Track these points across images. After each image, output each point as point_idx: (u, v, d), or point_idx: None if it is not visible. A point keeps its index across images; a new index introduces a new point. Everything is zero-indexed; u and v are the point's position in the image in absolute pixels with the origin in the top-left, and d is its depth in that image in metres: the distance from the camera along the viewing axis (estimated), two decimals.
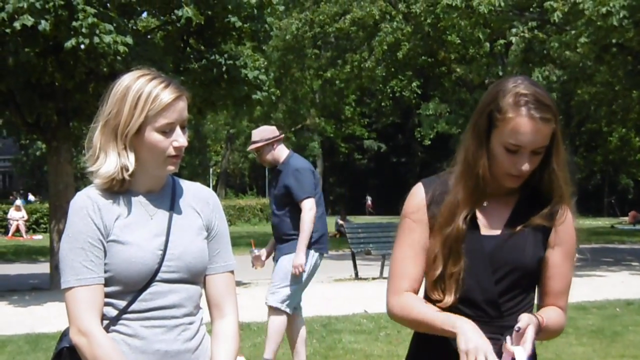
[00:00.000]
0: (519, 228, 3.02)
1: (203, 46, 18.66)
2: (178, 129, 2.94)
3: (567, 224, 3.09)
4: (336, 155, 70.94)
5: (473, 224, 3.02)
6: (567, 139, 55.45)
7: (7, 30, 13.95)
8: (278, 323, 8.59)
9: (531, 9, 29.01)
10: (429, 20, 34.48)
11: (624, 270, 19.17)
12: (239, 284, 16.61)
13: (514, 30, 27.65)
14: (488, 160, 2.98)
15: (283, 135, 8.80)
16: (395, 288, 3.08)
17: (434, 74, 43.15)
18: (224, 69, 17.74)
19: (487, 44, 36.89)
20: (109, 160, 2.94)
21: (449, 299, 2.98)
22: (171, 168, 3.00)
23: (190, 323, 3.05)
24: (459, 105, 55.12)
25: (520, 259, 2.99)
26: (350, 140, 68.74)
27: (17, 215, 35.93)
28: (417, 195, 3.11)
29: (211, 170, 73.13)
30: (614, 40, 22.88)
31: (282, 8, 26.47)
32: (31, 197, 53.54)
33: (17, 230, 35.54)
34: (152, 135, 2.91)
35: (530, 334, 2.80)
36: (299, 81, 45.18)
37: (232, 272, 3.21)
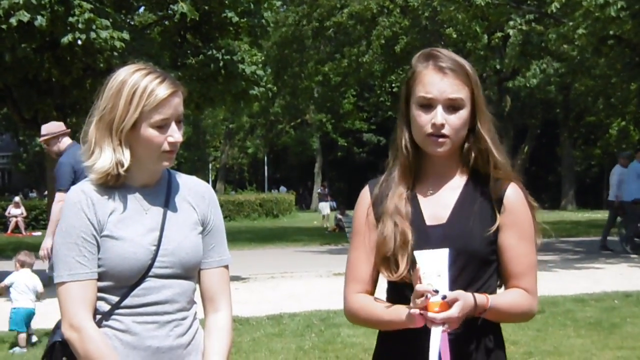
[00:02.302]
0: (465, 213, 2.97)
1: (200, 41, 18.67)
2: (173, 125, 2.93)
3: (518, 203, 3.01)
4: (335, 150, 70.95)
5: (418, 215, 2.98)
6: (565, 131, 55.62)
7: (4, 26, 13.96)
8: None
9: (529, 1, 28.99)
10: (426, 14, 34.52)
11: (622, 263, 19.14)
12: (237, 279, 16.62)
13: (511, 22, 27.62)
14: (410, 133, 2.97)
15: (69, 130, 10.03)
16: (349, 290, 3.08)
17: None
18: (221, 64, 17.74)
19: (485, 37, 36.89)
20: (104, 156, 2.93)
21: (402, 268, 2.92)
22: (166, 163, 2.99)
23: (183, 318, 3.03)
24: None
25: (469, 245, 2.92)
26: (349, 133, 68.75)
27: (16, 211, 35.90)
28: (363, 198, 3.10)
29: (210, 165, 73.14)
30: (611, 32, 22.87)
31: (278, 3, 26.45)
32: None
33: (16, 226, 35.50)
34: (147, 131, 2.90)
35: (454, 310, 2.73)
36: (297, 75, 45.15)
37: (226, 267, 3.19)
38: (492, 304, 2.89)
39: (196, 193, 3.13)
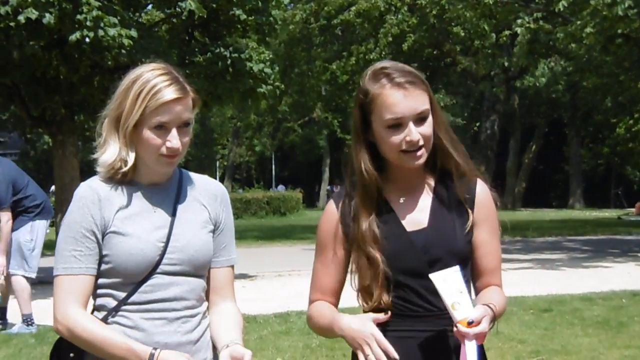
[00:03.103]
0: (444, 215, 2.98)
1: (208, 39, 18.66)
2: (174, 131, 2.90)
3: (486, 198, 3.04)
4: (342, 148, 70.89)
5: (397, 223, 2.98)
6: (573, 130, 55.53)
7: (12, 24, 13.95)
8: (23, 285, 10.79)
9: (536, 0, 28.93)
10: (434, 12, 34.49)
11: (630, 262, 19.12)
12: (245, 276, 16.65)
13: (519, 21, 27.57)
14: (370, 153, 2.96)
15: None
16: (311, 298, 3.16)
17: (439, 65, 43.11)
18: (229, 62, 17.73)
19: (493, 35, 36.84)
20: (109, 150, 2.94)
21: (385, 298, 2.95)
22: (165, 169, 2.99)
23: (192, 316, 3.02)
24: (464, 97, 55.18)
25: (454, 246, 2.94)
26: None
27: None
28: (329, 213, 3.09)
29: (217, 163, 73.17)
30: (619, 31, 22.81)
31: (286, 1, 26.43)
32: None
33: None
34: (146, 133, 2.89)
35: (484, 325, 2.77)
36: (305, 74, 45.14)
37: (233, 266, 3.19)
38: (499, 310, 2.93)
39: (207, 192, 3.13)
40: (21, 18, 13.69)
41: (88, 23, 14.03)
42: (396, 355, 2.79)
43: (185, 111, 2.92)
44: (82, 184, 3.02)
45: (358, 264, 2.99)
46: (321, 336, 3.22)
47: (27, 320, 10.88)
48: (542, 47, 30.81)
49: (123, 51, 14.44)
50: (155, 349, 2.82)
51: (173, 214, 3.00)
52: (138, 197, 2.99)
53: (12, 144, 68.09)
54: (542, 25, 28.57)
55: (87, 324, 2.86)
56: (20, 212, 10.61)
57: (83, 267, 2.91)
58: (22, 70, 15.52)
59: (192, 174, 3.17)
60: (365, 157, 2.97)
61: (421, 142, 2.88)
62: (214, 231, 3.10)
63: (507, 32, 33.34)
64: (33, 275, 11.02)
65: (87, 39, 14.31)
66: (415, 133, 2.85)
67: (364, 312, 3.01)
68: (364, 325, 2.85)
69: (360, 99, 2.95)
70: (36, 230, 10.81)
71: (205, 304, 3.11)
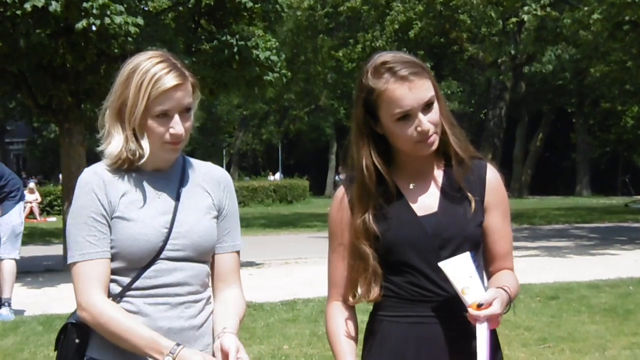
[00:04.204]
0: (454, 199, 2.98)
1: (214, 27, 18.62)
2: (176, 117, 2.92)
3: (497, 184, 3.05)
4: (348, 136, 70.79)
5: (407, 208, 2.97)
6: (580, 117, 55.39)
7: (18, 12, 13.92)
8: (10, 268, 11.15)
9: None
10: None
11: (637, 249, 19.11)
12: (252, 264, 16.67)
13: (526, 8, 27.50)
14: (377, 146, 2.97)
15: None
16: (330, 295, 3.13)
17: (446, 53, 43.03)
18: (235, 49, 17.68)
19: (500, 22, 36.75)
20: (114, 142, 2.95)
21: (373, 295, 2.97)
22: (170, 155, 3.01)
23: (196, 301, 3.03)
24: (471, 85, 55.07)
25: (464, 230, 2.94)
26: None
27: (30, 197, 36.03)
28: (337, 200, 3.09)
29: (224, 151, 73.18)
30: (627, 17, 22.73)
31: None
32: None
33: (31, 212, 35.64)
34: (150, 122, 2.91)
35: (496, 306, 2.76)
36: (311, 61, 45.09)
37: (238, 252, 3.19)
38: (513, 292, 2.93)
39: (211, 179, 3.14)
40: (27, 6, 13.66)
41: (94, 11, 14.00)
42: None
43: (186, 96, 2.94)
44: (86, 169, 3.03)
45: (350, 256, 3.01)
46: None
47: (9, 304, 11.26)
48: (549, 34, 30.76)
49: (129, 39, 14.41)
50: (178, 344, 2.83)
51: (177, 200, 3.02)
52: (142, 183, 3.01)
53: (19, 133, 68.29)
54: (549, 12, 28.51)
55: (113, 313, 2.87)
56: (4, 197, 11.06)
57: (100, 251, 2.92)
58: (29, 58, 15.50)
59: (195, 161, 3.19)
60: (368, 153, 2.97)
61: (432, 130, 2.88)
62: (217, 217, 3.10)
63: (514, 19, 33.16)
64: (19, 257, 11.52)
65: (94, 27, 14.28)
66: (425, 123, 2.86)
67: (350, 305, 3.05)
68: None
69: (364, 97, 2.94)
70: (21, 212, 11.37)
71: (209, 289, 3.12)
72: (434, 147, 2.92)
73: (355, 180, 3.01)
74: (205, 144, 69.45)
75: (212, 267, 3.14)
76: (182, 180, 3.07)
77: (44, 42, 14.84)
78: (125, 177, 2.99)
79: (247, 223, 27.97)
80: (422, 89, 2.86)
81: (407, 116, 2.86)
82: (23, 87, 17.25)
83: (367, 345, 3.09)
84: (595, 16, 22.22)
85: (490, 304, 2.75)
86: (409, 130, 2.87)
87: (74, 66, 16.25)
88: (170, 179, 3.05)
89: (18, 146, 74.62)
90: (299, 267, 16.37)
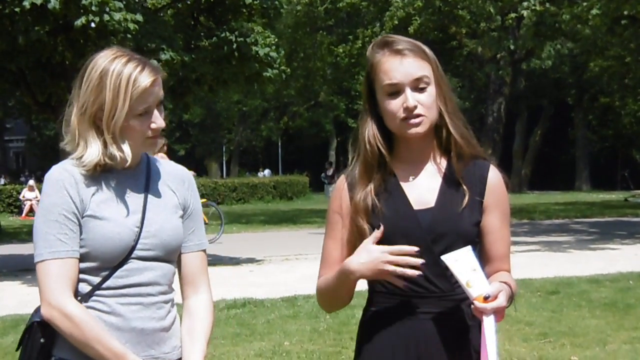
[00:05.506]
0: (452, 196, 2.96)
1: (213, 23, 18.64)
2: (155, 111, 2.91)
3: (498, 185, 3.02)
4: (347, 132, 70.82)
5: (404, 201, 2.97)
6: (579, 112, 55.38)
7: (17, 9, 13.93)
8: None
9: None
10: None
11: (637, 243, 19.11)
12: (252, 261, 16.67)
13: (525, 3, 27.49)
14: (379, 127, 2.96)
15: None
16: (319, 275, 3.13)
17: (445, 48, 42.99)
18: (234, 46, 17.70)
19: (499, 18, 36.73)
20: (90, 150, 2.90)
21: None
22: (152, 148, 3.01)
23: (165, 302, 3.00)
24: (470, 80, 55.08)
25: (459, 227, 2.92)
26: None
27: (30, 195, 36.02)
28: (338, 187, 3.09)
29: (224, 148, 73.13)
30: (625, 12, 22.73)
31: None
32: None
33: (31, 210, 35.61)
34: (131, 122, 2.87)
35: (502, 299, 2.75)
36: (310, 57, 45.05)
37: (204, 251, 3.16)
38: (512, 289, 2.93)
39: (175, 177, 3.12)
40: (26, 3, 13.67)
41: (93, 8, 14.00)
42: (415, 248, 2.79)
43: (161, 89, 2.94)
44: (55, 166, 2.97)
45: (349, 234, 3.01)
46: (333, 307, 3.19)
47: None
48: (548, 29, 30.73)
49: (129, 36, 14.43)
50: None
51: (145, 199, 2.99)
52: (112, 181, 2.96)
53: (18, 130, 68.28)
54: (548, 7, 28.49)
55: (86, 317, 2.83)
56: None
57: (70, 250, 2.87)
58: (28, 56, 15.51)
59: (157, 160, 3.16)
60: (371, 127, 2.97)
61: (419, 110, 2.87)
62: (182, 216, 3.08)
63: (512, 15, 33.15)
64: None
65: (93, 24, 14.29)
66: (411, 99, 2.85)
67: (349, 286, 3.00)
68: (371, 252, 2.83)
69: (367, 72, 2.98)
70: None
71: (174, 292, 3.08)
72: (419, 129, 2.89)
73: (357, 160, 3.02)
74: (205, 140, 69.38)
75: (178, 268, 3.10)
76: (148, 178, 3.04)
77: (43, 39, 14.85)
78: (95, 175, 2.93)
79: (247, 219, 27.91)
80: (414, 65, 2.87)
81: (397, 93, 2.87)
82: (22, 85, 17.26)
83: (360, 340, 3.08)
84: (593, 11, 22.22)
85: (496, 297, 2.74)
86: (395, 105, 2.87)
87: (73, 63, 16.24)
88: (137, 177, 3.02)
89: (17, 144, 74.61)
90: (299, 264, 16.36)
